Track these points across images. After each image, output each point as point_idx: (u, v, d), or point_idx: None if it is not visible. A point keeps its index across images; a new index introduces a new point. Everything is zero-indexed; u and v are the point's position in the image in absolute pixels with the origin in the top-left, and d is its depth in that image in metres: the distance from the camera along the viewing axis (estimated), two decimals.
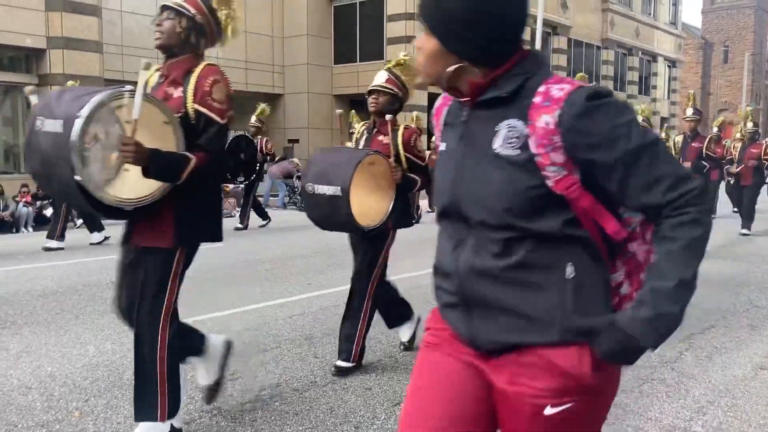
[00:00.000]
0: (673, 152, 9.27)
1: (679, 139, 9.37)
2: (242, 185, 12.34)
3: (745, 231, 11.78)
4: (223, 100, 2.96)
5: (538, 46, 16.76)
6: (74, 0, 15.74)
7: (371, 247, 4.20)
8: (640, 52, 35.82)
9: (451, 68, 1.45)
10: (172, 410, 3.06)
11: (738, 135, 12.79)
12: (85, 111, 2.55)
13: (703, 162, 9.04)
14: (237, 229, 12.27)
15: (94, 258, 8.76)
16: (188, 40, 3.01)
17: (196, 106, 2.90)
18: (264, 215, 13.02)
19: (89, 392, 3.86)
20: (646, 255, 1.51)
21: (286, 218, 14.20)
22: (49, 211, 12.34)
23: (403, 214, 4.26)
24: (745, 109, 13.25)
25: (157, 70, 3.09)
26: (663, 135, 9.59)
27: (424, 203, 14.85)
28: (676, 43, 39.79)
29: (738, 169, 11.90)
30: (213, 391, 3.45)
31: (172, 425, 3.06)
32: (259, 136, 12.34)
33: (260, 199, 16.82)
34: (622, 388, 3.87)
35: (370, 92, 4.25)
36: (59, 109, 2.63)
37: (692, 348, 4.82)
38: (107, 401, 3.71)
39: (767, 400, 3.85)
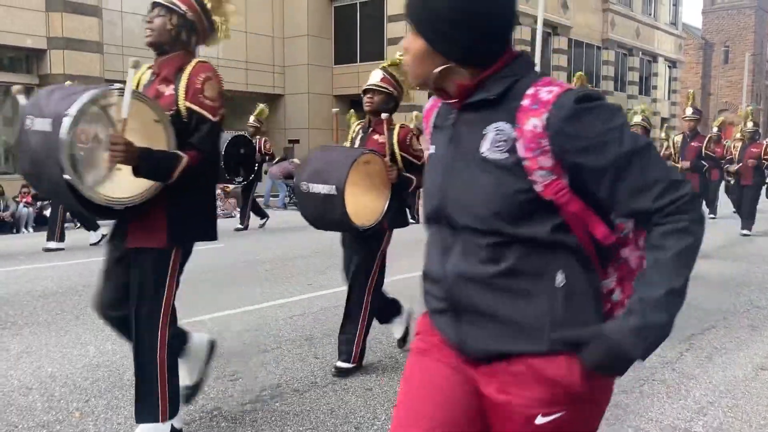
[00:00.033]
0: (673, 152, 9.24)
1: (679, 138, 9.36)
2: (241, 185, 12.33)
3: (745, 231, 11.77)
4: (215, 97, 2.93)
5: (538, 46, 16.75)
6: (75, 0, 15.76)
7: (366, 247, 4.18)
8: (640, 53, 35.80)
9: (438, 69, 1.42)
10: (173, 411, 3.06)
11: (738, 135, 12.77)
12: (73, 109, 2.52)
13: (702, 162, 9.03)
14: (237, 229, 12.27)
15: (95, 258, 8.75)
16: (179, 38, 2.98)
17: (188, 104, 2.87)
18: (262, 214, 13.02)
19: (90, 393, 3.86)
20: (639, 261, 1.49)
21: (286, 218, 14.19)
22: (49, 212, 12.35)
23: (399, 214, 4.24)
24: (746, 109, 13.22)
25: (149, 68, 3.07)
26: (663, 135, 9.57)
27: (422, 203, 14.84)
28: (677, 43, 39.78)
29: (737, 167, 11.86)
30: (192, 392, 3.42)
31: (172, 426, 3.06)
32: (258, 136, 12.32)
33: (260, 199, 16.84)
34: (622, 388, 3.88)
35: (365, 91, 4.24)
36: (48, 108, 2.60)
37: (693, 348, 4.82)
38: (108, 402, 3.71)
39: None
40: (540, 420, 1.40)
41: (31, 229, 12.83)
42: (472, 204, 1.40)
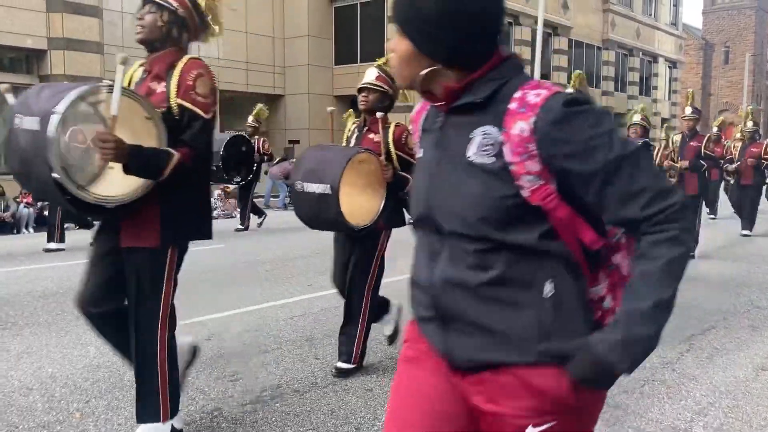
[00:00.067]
0: (672, 151, 9.21)
1: (678, 138, 9.33)
2: (238, 185, 12.29)
3: (746, 232, 11.76)
4: (207, 94, 2.89)
5: (538, 46, 16.73)
6: (75, 1, 15.76)
7: (362, 246, 4.16)
8: (640, 53, 35.79)
9: (424, 71, 1.39)
10: (174, 410, 3.07)
11: (738, 135, 12.73)
12: (61, 107, 2.49)
13: (701, 161, 9.01)
14: (238, 230, 12.27)
15: None
16: (170, 34, 2.95)
17: (180, 101, 2.84)
18: (259, 212, 13.01)
19: (90, 393, 3.86)
20: (631, 267, 1.45)
21: (286, 219, 14.18)
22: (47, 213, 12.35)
23: (396, 214, 4.21)
24: (746, 108, 13.18)
25: (141, 65, 3.05)
26: (663, 135, 9.53)
27: None
28: (677, 43, 39.77)
29: (735, 166, 11.81)
30: None
31: (172, 426, 3.06)
32: (257, 136, 12.30)
33: (261, 199, 16.83)
34: (622, 389, 3.89)
35: (360, 90, 4.21)
36: (37, 106, 2.57)
37: (693, 349, 4.82)
38: (108, 402, 3.72)
39: None
40: (531, 430, 1.39)
41: (31, 230, 12.83)
42: (459, 209, 1.38)
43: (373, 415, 3.56)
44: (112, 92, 2.61)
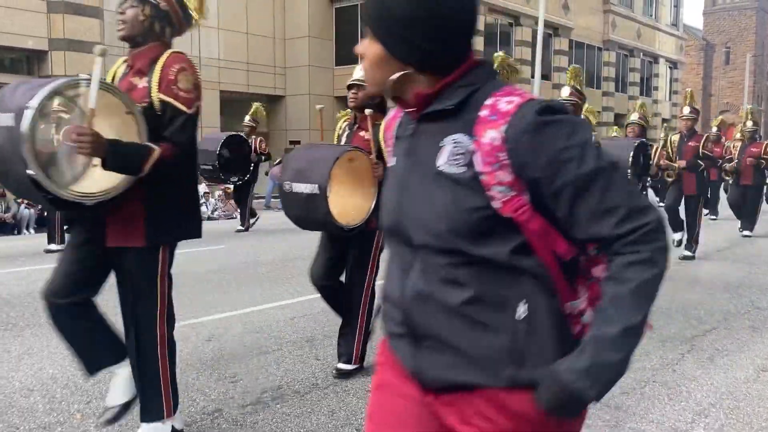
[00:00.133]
0: (670, 151, 9.20)
1: (676, 138, 9.31)
2: (235, 185, 12.25)
3: (746, 232, 11.74)
4: (190, 89, 2.84)
5: (539, 47, 16.76)
6: (76, 2, 15.78)
7: (358, 246, 4.09)
8: (641, 54, 35.80)
9: (395, 75, 1.34)
10: (175, 406, 3.09)
11: (738, 135, 12.67)
12: (34, 101, 2.44)
13: (699, 161, 8.99)
14: (238, 231, 12.28)
15: None
16: (152, 29, 2.90)
17: (161, 96, 2.80)
18: (252, 213, 12.97)
19: (91, 394, 3.86)
20: None
21: (286, 220, 14.14)
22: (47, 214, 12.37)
23: None
24: (746, 108, 13.13)
25: (125, 61, 3.02)
26: (662, 135, 9.53)
27: None
28: (678, 44, 39.78)
29: (733, 165, 11.72)
30: (119, 415, 3.10)
31: (173, 427, 3.07)
32: (254, 136, 12.27)
33: (262, 200, 16.83)
34: (623, 390, 3.89)
35: (350, 87, 4.14)
36: (12, 102, 2.52)
37: (694, 350, 4.81)
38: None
39: None
40: None
41: (32, 231, 12.85)
42: (429, 220, 1.32)
43: None
44: (90, 86, 2.56)
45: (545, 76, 25.49)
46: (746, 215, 11.91)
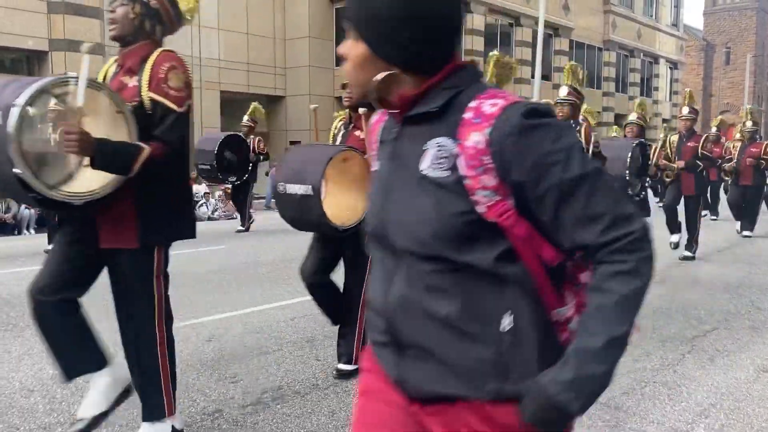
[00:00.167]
0: (669, 151, 9.18)
1: (675, 138, 9.30)
2: (233, 185, 12.22)
3: (747, 233, 11.73)
4: (181, 87, 2.81)
5: (539, 47, 16.75)
6: (76, 2, 15.79)
7: (354, 246, 4.02)
8: (641, 54, 35.82)
9: (380, 76, 1.30)
10: (174, 404, 3.09)
11: (737, 135, 12.62)
12: (21, 99, 2.42)
13: (698, 161, 8.98)
14: (238, 231, 12.28)
15: None
16: (142, 27, 2.87)
17: (151, 95, 2.77)
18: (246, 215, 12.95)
19: None
20: None
21: None
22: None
23: None
24: (746, 108, 13.08)
25: (116, 61, 3.00)
26: (662, 135, 9.52)
27: None
28: (678, 44, 39.79)
29: (732, 165, 11.67)
30: (89, 428, 2.97)
31: (173, 427, 3.07)
32: (252, 136, 12.27)
33: (262, 200, 16.83)
34: (623, 390, 3.89)
35: (344, 86, 4.11)
36: (0, 101, 2.50)
37: (694, 350, 4.81)
38: None
39: None
40: None
41: (32, 231, 12.85)
42: (412, 225, 1.29)
43: None
44: (78, 84, 2.54)
45: (545, 77, 25.50)
46: (746, 216, 11.89)
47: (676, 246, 9.21)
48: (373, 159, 1.51)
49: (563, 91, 6.15)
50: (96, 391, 3.00)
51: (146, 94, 2.78)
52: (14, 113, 2.41)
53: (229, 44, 20.31)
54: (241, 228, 12.41)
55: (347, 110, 4.24)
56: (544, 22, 16.27)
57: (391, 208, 1.35)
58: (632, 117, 8.25)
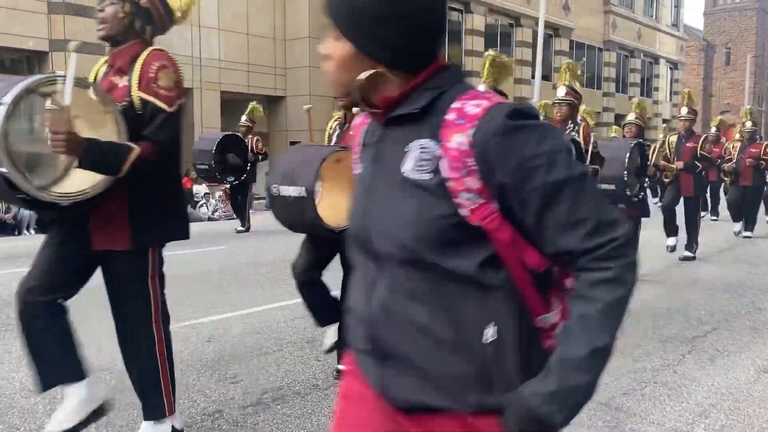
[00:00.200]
0: (668, 152, 9.16)
1: (674, 138, 9.27)
2: (231, 185, 12.21)
3: (747, 233, 11.73)
4: (171, 87, 2.77)
5: (540, 48, 16.76)
6: (77, 2, 15.80)
7: (342, 249, 3.95)
8: (641, 54, 35.83)
9: (365, 74, 1.26)
10: (174, 403, 3.09)
11: (737, 135, 12.58)
12: (8, 98, 2.40)
13: (697, 162, 8.96)
14: (239, 231, 12.28)
15: None
16: (132, 26, 2.84)
17: (141, 94, 2.74)
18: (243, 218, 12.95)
19: None
20: None
21: None
22: None
23: None
24: (745, 108, 13.06)
25: (106, 61, 2.99)
26: (662, 135, 9.51)
27: None
28: (678, 44, 39.81)
29: (731, 165, 11.63)
30: None
31: (173, 427, 3.07)
32: (250, 136, 12.24)
33: (262, 201, 16.83)
34: (623, 390, 3.89)
35: None
36: None
37: (694, 351, 4.81)
38: None
39: None
40: None
41: (32, 231, 12.84)
42: (394, 230, 1.26)
43: None
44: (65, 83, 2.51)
45: (546, 77, 25.49)
46: (746, 216, 11.87)
47: (673, 249, 9.15)
48: (355, 162, 1.48)
49: (561, 92, 6.13)
50: (69, 404, 2.93)
51: (136, 94, 2.76)
52: (1, 112, 2.39)
53: (230, 44, 20.30)
54: (241, 228, 12.41)
55: (342, 110, 4.23)
56: (545, 22, 16.28)
57: (373, 212, 1.32)
58: (630, 117, 8.18)
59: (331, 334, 4.33)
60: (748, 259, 9.42)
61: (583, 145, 5.68)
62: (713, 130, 13.74)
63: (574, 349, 1.19)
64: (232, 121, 19.65)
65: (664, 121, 36.07)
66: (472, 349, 1.25)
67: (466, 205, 1.21)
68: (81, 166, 2.56)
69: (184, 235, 3.05)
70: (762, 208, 12.88)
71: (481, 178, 1.20)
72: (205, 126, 18.94)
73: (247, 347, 4.86)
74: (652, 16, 36.59)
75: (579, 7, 29.74)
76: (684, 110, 9.25)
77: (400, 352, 1.30)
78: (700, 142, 9.12)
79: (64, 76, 2.54)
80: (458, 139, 1.21)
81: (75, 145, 2.49)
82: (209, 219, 16.05)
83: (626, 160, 6.52)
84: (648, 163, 7.44)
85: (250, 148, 12.05)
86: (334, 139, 4.27)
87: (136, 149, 2.67)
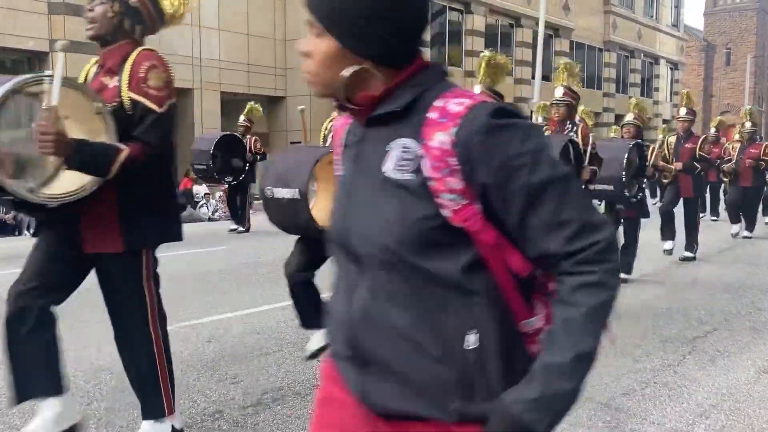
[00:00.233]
0: (667, 153, 9.14)
1: (673, 139, 9.25)
2: (229, 185, 12.20)
3: (747, 234, 11.72)
4: (161, 87, 2.75)
5: (540, 48, 16.73)
6: (77, 3, 15.79)
7: None
8: (642, 55, 35.83)
9: (349, 71, 1.23)
10: (173, 402, 3.09)
11: (737, 136, 12.56)
12: None
13: (695, 163, 8.95)
14: (239, 231, 12.28)
15: None
16: (121, 26, 2.82)
17: (131, 95, 2.71)
18: (240, 219, 12.89)
19: (91, 396, 3.86)
20: None
21: None
22: None
23: None
24: (745, 108, 13.03)
25: (96, 62, 2.97)
26: (661, 136, 9.50)
27: None
28: (678, 45, 39.81)
29: (731, 165, 11.59)
30: None
31: (173, 427, 3.07)
32: (248, 136, 12.22)
33: (261, 201, 16.79)
34: (623, 391, 3.89)
35: None
36: None
37: (695, 351, 4.81)
38: (109, 405, 3.71)
39: None
40: None
41: (32, 231, 12.84)
42: (375, 231, 1.23)
43: None
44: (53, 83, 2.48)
45: (546, 77, 25.47)
46: (746, 216, 11.86)
47: (670, 253, 9.10)
48: (337, 163, 1.46)
49: (558, 92, 6.12)
50: (42, 419, 2.84)
51: (126, 95, 2.73)
52: None
53: (230, 45, 20.30)
54: (233, 228, 12.38)
55: (338, 110, 4.21)
56: (545, 22, 16.24)
57: (353, 213, 1.29)
58: (629, 117, 8.13)
59: (315, 340, 4.29)
60: (748, 259, 9.42)
61: (581, 146, 5.67)
62: (712, 130, 13.73)
63: (557, 354, 1.16)
64: (232, 121, 19.65)
65: (665, 121, 36.06)
66: (453, 355, 1.22)
67: (449, 206, 1.19)
68: (69, 166, 2.54)
69: (177, 236, 3.02)
70: (761, 208, 12.88)
71: (463, 178, 1.18)
72: (205, 126, 18.94)
73: (247, 347, 4.86)
74: (652, 16, 36.60)
75: (579, 8, 29.75)
76: (683, 111, 9.23)
77: (381, 357, 1.27)
78: (699, 142, 9.10)
79: (51, 76, 2.51)
80: (440, 138, 1.18)
81: (63, 146, 2.46)
82: (209, 219, 16.05)
83: (624, 161, 6.51)
84: (647, 163, 7.43)
85: (248, 148, 12.04)
86: (329, 140, 4.27)
87: (125, 150, 2.65)
